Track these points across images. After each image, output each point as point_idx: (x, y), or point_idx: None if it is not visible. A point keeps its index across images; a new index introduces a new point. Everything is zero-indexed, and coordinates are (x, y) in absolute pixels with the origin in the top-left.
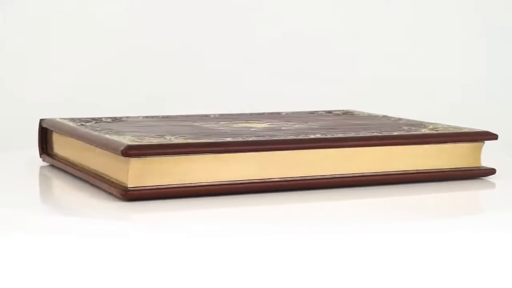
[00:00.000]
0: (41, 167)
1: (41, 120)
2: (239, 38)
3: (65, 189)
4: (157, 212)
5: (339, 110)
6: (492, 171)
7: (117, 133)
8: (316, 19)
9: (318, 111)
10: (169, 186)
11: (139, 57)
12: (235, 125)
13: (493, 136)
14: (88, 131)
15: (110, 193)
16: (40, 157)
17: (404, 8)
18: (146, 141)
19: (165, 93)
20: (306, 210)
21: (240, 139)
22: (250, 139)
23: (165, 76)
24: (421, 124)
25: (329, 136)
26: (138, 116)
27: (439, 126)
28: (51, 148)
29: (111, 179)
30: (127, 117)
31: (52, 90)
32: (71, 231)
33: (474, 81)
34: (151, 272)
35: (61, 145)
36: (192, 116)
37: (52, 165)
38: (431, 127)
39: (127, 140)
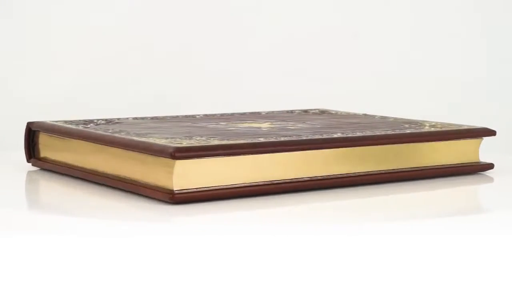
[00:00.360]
0: (46, 170)
1: (29, 124)
2: (239, 38)
3: (86, 193)
4: (204, 214)
5: (316, 109)
6: (490, 166)
7: (140, 135)
8: (316, 19)
9: (295, 110)
10: (213, 188)
11: (139, 58)
12: (241, 125)
13: (491, 132)
14: (110, 134)
15: (152, 197)
16: (28, 161)
17: (404, 8)
18: (186, 143)
19: (165, 93)
20: (343, 207)
21: (273, 139)
22: (283, 139)
23: (164, 77)
24: (417, 122)
25: (350, 135)
26: (128, 118)
27: (433, 123)
28: (38, 152)
29: (144, 182)
30: (118, 118)
31: (50, 90)
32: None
33: (474, 80)
34: (204, 272)
35: (57, 149)
36: (178, 116)
37: (43, 169)
38: (427, 125)
39: (163, 142)
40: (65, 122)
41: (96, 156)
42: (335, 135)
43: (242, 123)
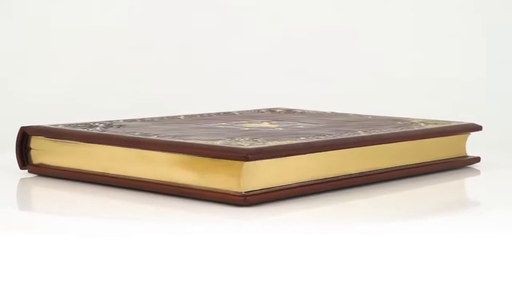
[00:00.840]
0: (48, 177)
1: (24, 128)
2: (239, 38)
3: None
4: (273, 214)
5: (281, 108)
6: (477, 159)
7: (178, 137)
8: (316, 19)
9: (262, 109)
10: (278, 187)
11: (139, 58)
12: (249, 125)
13: (478, 127)
14: (157, 138)
15: (214, 200)
16: (22, 168)
17: (404, 8)
18: (248, 144)
19: (165, 94)
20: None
21: (314, 138)
22: (338, 137)
23: (164, 77)
24: (405, 119)
25: (374, 133)
26: (118, 120)
27: (418, 119)
28: (30, 159)
29: (199, 186)
30: (110, 121)
31: (50, 91)
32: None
33: (474, 80)
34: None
35: (65, 154)
36: (163, 118)
37: (43, 176)
38: (416, 121)
39: (221, 144)
40: (65, 125)
41: (130, 162)
42: (362, 133)
43: (244, 123)
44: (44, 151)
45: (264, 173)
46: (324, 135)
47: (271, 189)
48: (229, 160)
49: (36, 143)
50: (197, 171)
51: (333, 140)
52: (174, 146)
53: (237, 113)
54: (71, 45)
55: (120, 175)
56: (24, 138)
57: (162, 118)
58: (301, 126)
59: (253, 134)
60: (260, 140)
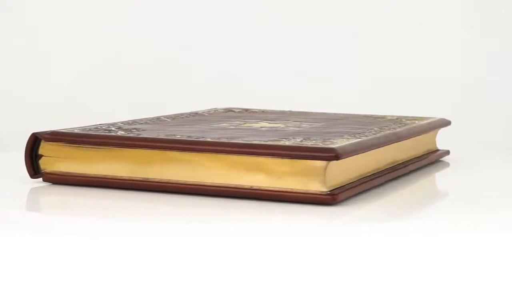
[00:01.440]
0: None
1: (36, 134)
2: (239, 39)
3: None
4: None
5: (238, 108)
6: (447, 153)
7: (233, 138)
8: (316, 19)
9: (218, 109)
10: (354, 183)
11: (138, 58)
12: (249, 125)
13: (447, 122)
14: (220, 140)
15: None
16: (33, 177)
17: (404, 8)
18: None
19: (165, 94)
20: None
21: (372, 135)
22: (386, 132)
23: (164, 77)
24: (383, 116)
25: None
26: (117, 122)
27: (391, 116)
28: (39, 166)
29: (277, 188)
30: (112, 124)
31: (50, 91)
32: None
33: (474, 80)
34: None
35: (88, 161)
36: (151, 118)
37: (62, 184)
38: (390, 118)
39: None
40: (80, 129)
41: (185, 166)
42: (388, 131)
43: (241, 123)
44: (64, 158)
45: (338, 171)
46: (359, 133)
47: (350, 185)
48: (309, 160)
49: (49, 149)
50: (267, 172)
51: (393, 133)
52: (251, 148)
53: (206, 114)
54: (71, 45)
55: (173, 180)
56: (35, 144)
57: (152, 119)
58: (306, 125)
59: (287, 135)
60: (317, 139)
